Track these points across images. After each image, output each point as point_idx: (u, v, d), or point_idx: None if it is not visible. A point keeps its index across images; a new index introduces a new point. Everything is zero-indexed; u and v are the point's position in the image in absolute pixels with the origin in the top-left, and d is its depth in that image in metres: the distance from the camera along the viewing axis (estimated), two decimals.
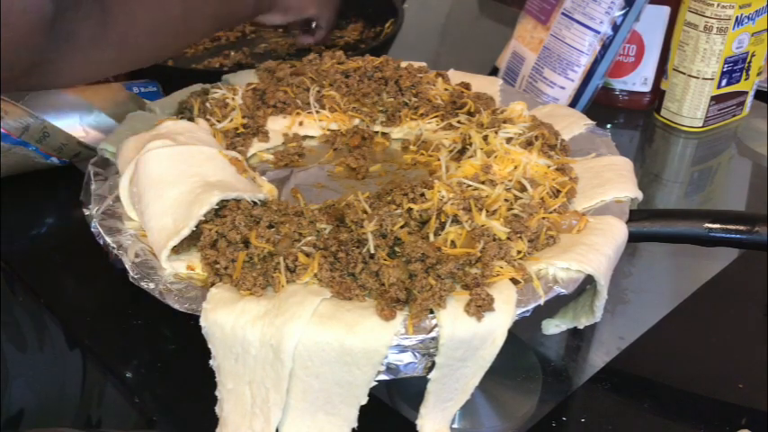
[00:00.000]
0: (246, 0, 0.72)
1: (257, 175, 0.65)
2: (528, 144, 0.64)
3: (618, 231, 0.56)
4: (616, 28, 0.85)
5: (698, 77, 0.91)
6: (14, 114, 0.73)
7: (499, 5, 1.34)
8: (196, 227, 0.53)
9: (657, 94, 0.97)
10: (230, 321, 0.47)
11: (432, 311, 0.48)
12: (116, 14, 0.52)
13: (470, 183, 0.58)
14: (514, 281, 0.50)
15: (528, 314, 0.49)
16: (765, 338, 0.63)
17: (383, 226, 0.53)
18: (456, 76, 0.79)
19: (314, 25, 0.91)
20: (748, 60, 0.93)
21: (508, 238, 0.53)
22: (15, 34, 0.46)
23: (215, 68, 0.99)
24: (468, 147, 0.66)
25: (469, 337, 0.47)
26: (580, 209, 0.59)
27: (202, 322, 0.48)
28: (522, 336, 0.62)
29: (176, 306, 0.50)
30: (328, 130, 0.74)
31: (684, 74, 0.92)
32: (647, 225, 0.59)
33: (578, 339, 0.63)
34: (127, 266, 0.53)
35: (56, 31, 0.48)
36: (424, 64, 0.80)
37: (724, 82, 0.92)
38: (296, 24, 0.91)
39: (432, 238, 0.53)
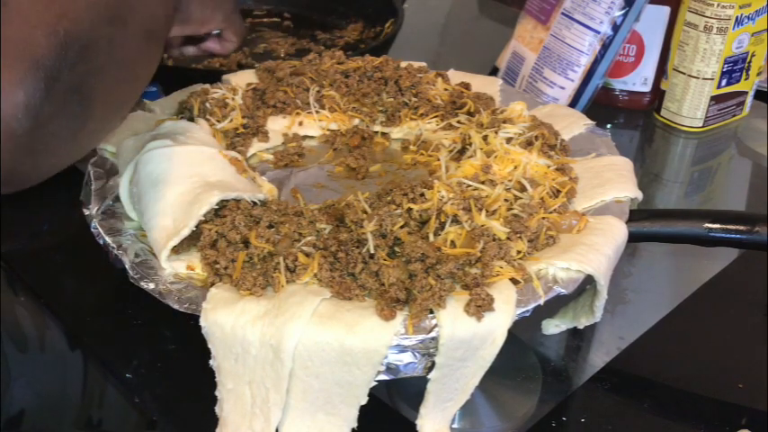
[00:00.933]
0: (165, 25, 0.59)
1: (257, 175, 0.65)
2: (528, 144, 0.64)
3: (618, 231, 0.56)
4: (616, 28, 0.85)
5: (698, 77, 0.91)
6: None
7: (499, 5, 1.34)
8: (196, 227, 0.53)
9: (657, 94, 0.97)
10: (230, 321, 0.47)
11: (432, 311, 0.48)
12: (95, 103, 0.46)
13: (470, 183, 0.58)
14: (514, 281, 0.50)
15: (528, 314, 0.49)
16: (765, 338, 0.63)
17: (383, 226, 0.53)
18: (456, 76, 0.79)
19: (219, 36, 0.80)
20: (748, 60, 0.93)
21: (508, 238, 0.53)
22: None
23: (215, 68, 0.99)
24: (467, 147, 0.66)
25: (469, 337, 0.47)
26: (580, 209, 0.59)
27: (202, 322, 0.48)
28: (522, 336, 0.62)
29: (176, 306, 0.50)
30: (328, 130, 0.74)
31: (684, 74, 0.92)
32: (647, 225, 0.59)
33: (578, 339, 0.63)
34: (127, 266, 0.53)
35: (33, 142, 0.43)
36: (424, 64, 0.80)
37: (724, 82, 0.92)
38: (199, 36, 0.80)
39: (432, 238, 0.53)
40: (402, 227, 0.53)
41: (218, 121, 0.69)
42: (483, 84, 0.78)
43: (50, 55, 0.41)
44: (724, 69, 0.91)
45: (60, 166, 0.49)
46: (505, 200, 0.57)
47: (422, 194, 0.56)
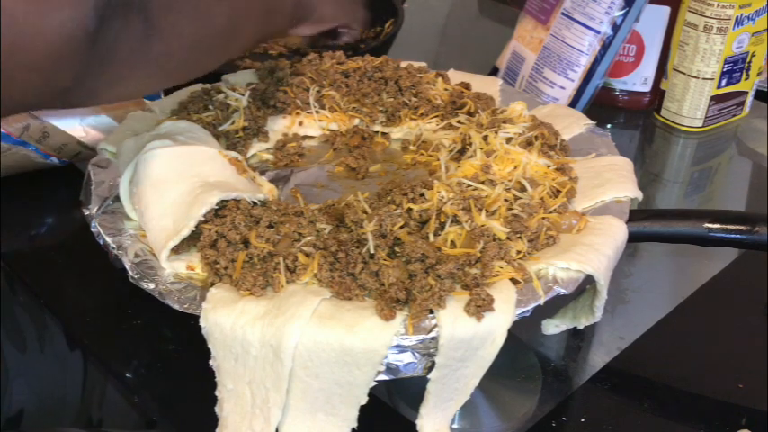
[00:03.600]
0: (285, 13, 0.65)
1: (257, 175, 0.65)
2: (528, 144, 0.64)
3: (618, 231, 0.56)
4: (616, 28, 0.85)
5: (698, 77, 0.91)
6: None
7: (499, 5, 1.34)
8: (196, 227, 0.53)
9: (657, 94, 0.97)
10: (230, 321, 0.47)
11: (431, 311, 0.48)
12: (160, 27, 0.46)
13: (470, 183, 0.58)
14: (514, 281, 0.50)
15: (528, 314, 0.49)
16: (765, 338, 0.63)
17: (383, 226, 0.53)
18: (456, 76, 0.79)
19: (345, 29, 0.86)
20: (748, 60, 0.93)
21: (508, 238, 0.53)
22: (53, 51, 0.41)
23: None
24: (467, 147, 0.66)
25: (469, 337, 0.47)
26: (580, 209, 0.59)
27: (202, 322, 0.48)
28: (522, 336, 0.62)
29: (176, 306, 0.50)
30: (328, 130, 0.74)
31: (684, 74, 0.92)
32: (647, 225, 0.59)
33: (578, 339, 0.63)
34: (127, 266, 0.53)
35: (97, 45, 0.43)
36: (424, 64, 0.80)
37: (724, 82, 0.92)
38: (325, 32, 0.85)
39: (431, 238, 0.53)
40: (402, 227, 0.53)
41: (219, 123, 0.69)
42: (483, 84, 0.78)
43: None
44: (724, 69, 0.91)
45: (135, 87, 0.49)
46: (505, 200, 0.56)
47: (422, 194, 0.56)
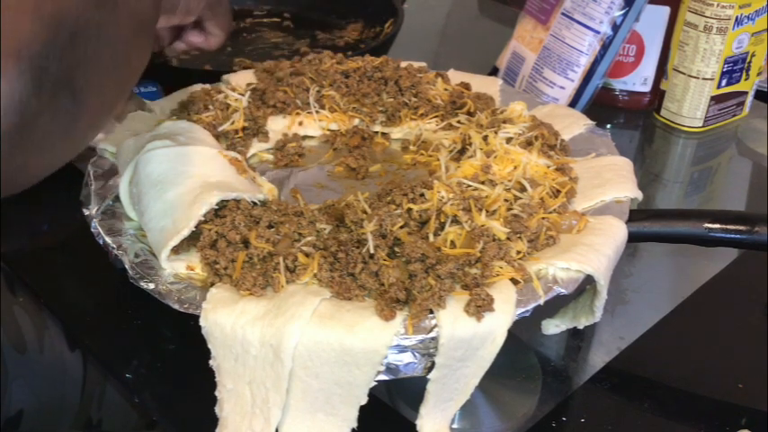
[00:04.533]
0: (175, 10, 0.61)
1: (257, 175, 0.65)
2: (528, 144, 0.64)
3: (618, 231, 0.56)
4: (616, 28, 0.85)
5: (698, 77, 0.91)
6: None
7: (499, 5, 1.34)
8: (196, 227, 0.53)
9: (657, 94, 0.97)
10: (230, 321, 0.47)
11: (431, 311, 0.48)
12: (88, 96, 0.42)
13: (470, 183, 0.58)
14: (514, 281, 0.50)
15: (528, 314, 0.49)
16: (765, 338, 0.63)
17: (383, 226, 0.53)
18: (456, 76, 0.79)
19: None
20: (748, 60, 0.93)
21: (508, 239, 0.53)
22: None
23: (215, 68, 0.99)
24: (467, 147, 0.66)
25: (469, 337, 0.47)
26: (580, 209, 0.59)
27: (202, 322, 0.48)
28: (522, 336, 0.62)
29: (176, 306, 0.50)
30: (328, 130, 0.74)
31: (684, 74, 0.92)
32: (647, 225, 0.59)
33: (578, 339, 0.63)
34: (127, 266, 0.53)
35: (21, 140, 0.39)
36: (424, 64, 0.80)
37: (724, 82, 0.92)
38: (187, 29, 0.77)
39: (431, 238, 0.53)
40: (402, 227, 0.53)
41: (219, 124, 0.69)
42: (483, 84, 0.78)
43: (36, 43, 0.37)
44: (724, 69, 0.91)
45: (54, 165, 0.46)
46: (505, 200, 0.57)
47: (422, 195, 0.56)
